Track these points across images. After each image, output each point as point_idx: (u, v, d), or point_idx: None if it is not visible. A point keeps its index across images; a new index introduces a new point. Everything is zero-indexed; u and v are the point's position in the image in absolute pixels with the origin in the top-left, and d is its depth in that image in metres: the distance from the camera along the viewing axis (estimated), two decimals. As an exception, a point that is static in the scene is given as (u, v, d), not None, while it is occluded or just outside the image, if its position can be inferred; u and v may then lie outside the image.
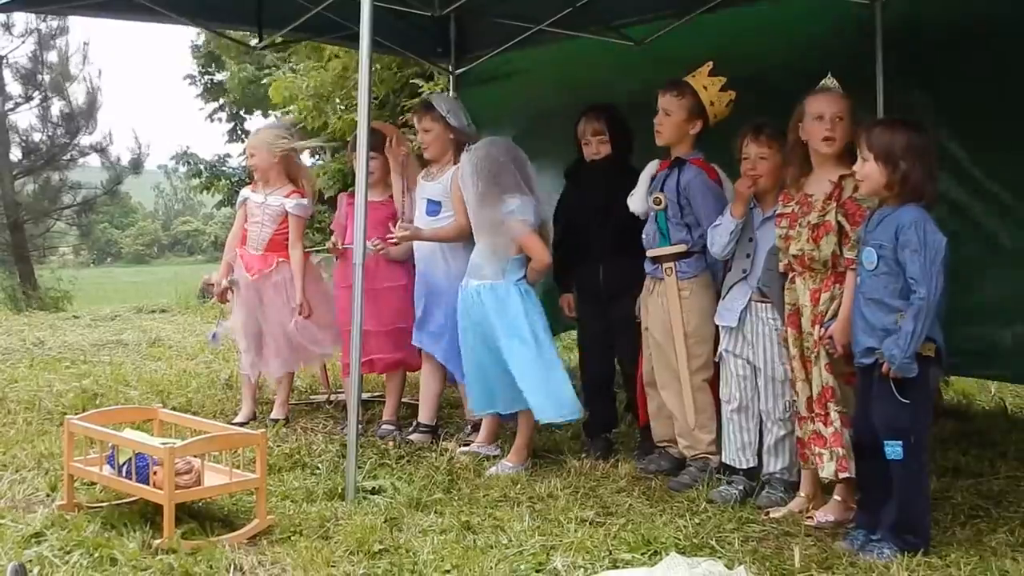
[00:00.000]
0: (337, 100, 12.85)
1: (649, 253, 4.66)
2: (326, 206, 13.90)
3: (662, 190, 4.61)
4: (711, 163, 4.66)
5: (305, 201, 5.76)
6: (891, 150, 3.54)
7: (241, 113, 20.50)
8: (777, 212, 4.08)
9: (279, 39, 7.30)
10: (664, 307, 4.60)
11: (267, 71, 14.33)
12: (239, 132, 20.02)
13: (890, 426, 3.57)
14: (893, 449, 3.55)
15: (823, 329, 3.84)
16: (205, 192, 19.43)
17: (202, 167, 19.29)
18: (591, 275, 5.03)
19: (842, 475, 3.86)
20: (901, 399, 3.51)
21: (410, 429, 5.44)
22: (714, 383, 4.55)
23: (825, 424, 3.89)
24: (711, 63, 4.58)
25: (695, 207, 4.55)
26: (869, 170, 3.60)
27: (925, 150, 3.57)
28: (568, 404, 4.67)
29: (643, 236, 4.70)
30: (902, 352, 3.45)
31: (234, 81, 18.45)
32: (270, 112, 16.69)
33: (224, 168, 19.35)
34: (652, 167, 4.73)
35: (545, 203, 4.99)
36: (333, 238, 5.66)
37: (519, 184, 4.72)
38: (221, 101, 20.87)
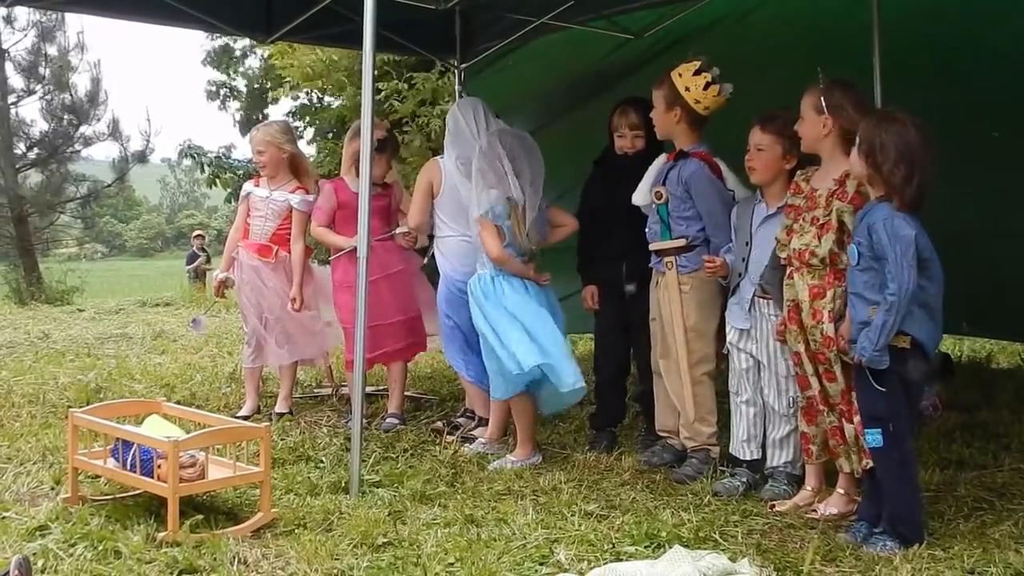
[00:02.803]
0: (344, 78, 12.91)
1: (652, 247, 4.67)
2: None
3: (664, 183, 4.61)
4: (716, 156, 4.64)
5: (310, 197, 5.77)
6: (872, 145, 3.52)
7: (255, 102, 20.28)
8: (785, 203, 4.07)
9: (287, 36, 7.30)
10: (666, 300, 4.61)
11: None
12: (253, 120, 19.84)
13: (868, 414, 3.60)
14: (873, 437, 3.58)
15: (835, 327, 3.82)
16: (213, 186, 19.38)
17: (205, 162, 19.24)
18: (614, 270, 5.00)
19: (870, 464, 3.76)
20: (877, 387, 3.53)
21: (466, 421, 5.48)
22: (717, 375, 4.56)
23: (849, 419, 3.85)
24: (697, 61, 4.55)
25: (696, 200, 4.55)
26: (853, 159, 3.62)
27: (909, 151, 3.47)
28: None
29: (648, 229, 4.70)
30: (871, 345, 3.46)
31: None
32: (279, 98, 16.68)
33: (230, 160, 19.30)
34: (660, 161, 4.72)
35: (548, 190, 4.98)
36: (348, 241, 5.44)
37: (491, 175, 4.77)
38: (234, 84, 20.77)
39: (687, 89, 4.53)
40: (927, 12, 5.30)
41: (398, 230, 5.53)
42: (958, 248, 3.84)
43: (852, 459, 3.88)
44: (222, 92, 20.62)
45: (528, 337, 4.62)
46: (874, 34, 5.08)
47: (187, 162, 20.46)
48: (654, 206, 4.64)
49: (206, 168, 18.44)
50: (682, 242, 4.56)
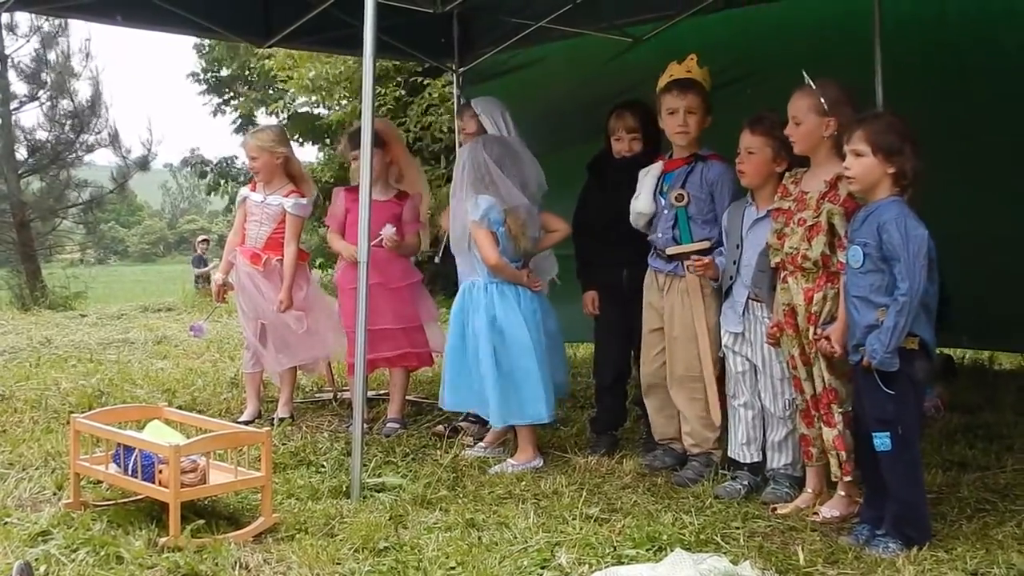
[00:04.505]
0: (343, 90, 12.86)
1: (669, 251, 4.59)
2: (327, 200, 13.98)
3: (683, 187, 4.57)
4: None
5: (304, 201, 5.78)
6: (893, 143, 3.51)
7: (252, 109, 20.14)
8: (773, 207, 4.07)
9: (284, 41, 7.30)
10: (686, 304, 4.57)
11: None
12: (247, 125, 19.75)
13: (877, 418, 3.59)
14: (881, 441, 3.56)
15: (819, 331, 3.83)
16: (213, 193, 19.40)
17: (208, 169, 19.23)
18: (614, 275, 4.97)
19: (845, 479, 3.89)
20: (886, 390, 3.52)
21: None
22: (720, 378, 4.56)
23: (830, 426, 3.90)
24: (695, 55, 4.58)
25: (719, 202, 4.53)
26: (867, 165, 3.56)
27: (916, 139, 3.55)
28: (531, 408, 4.73)
29: (655, 235, 4.65)
30: (883, 347, 3.45)
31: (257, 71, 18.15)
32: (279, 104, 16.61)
33: (231, 169, 19.29)
34: (656, 168, 4.68)
35: (550, 196, 4.99)
36: (348, 249, 5.51)
37: (482, 182, 4.75)
38: (227, 95, 20.69)
39: (704, 80, 4.59)
40: (927, 20, 5.32)
41: (383, 232, 5.41)
42: (958, 256, 3.83)
43: (832, 463, 3.91)
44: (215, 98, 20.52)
45: (498, 388, 4.71)
46: (875, 42, 5.09)
47: (188, 170, 20.53)
48: (671, 211, 4.58)
49: (208, 174, 18.41)
50: (706, 244, 4.52)
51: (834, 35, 5.59)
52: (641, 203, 4.65)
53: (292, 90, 13.80)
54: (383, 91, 12.18)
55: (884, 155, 3.53)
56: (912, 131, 3.56)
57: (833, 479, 3.97)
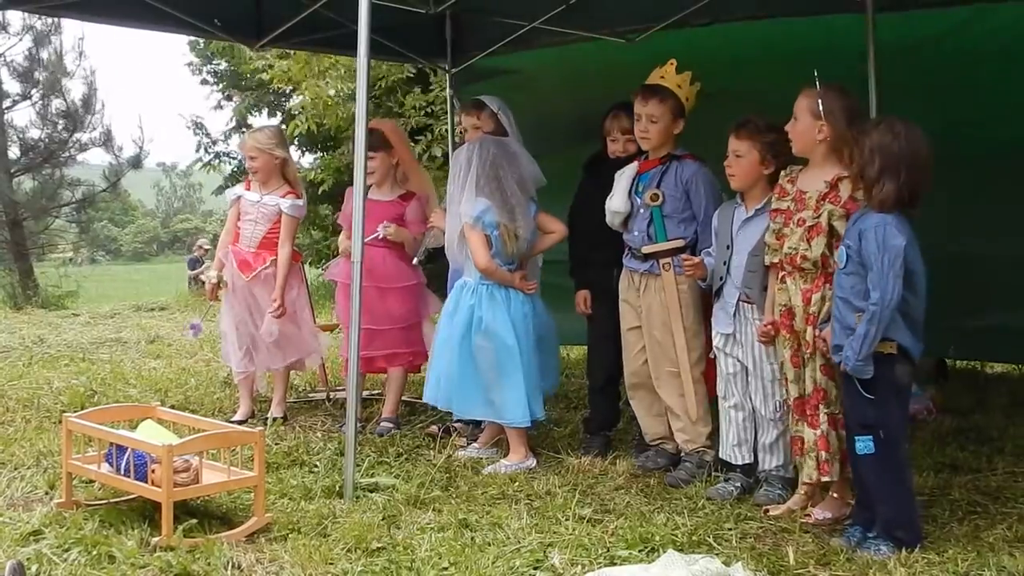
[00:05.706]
0: (338, 92, 12.78)
1: (644, 250, 4.65)
2: (329, 205, 13.93)
3: (658, 187, 4.61)
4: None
5: (300, 202, 5.79)
6: (875, 172, 3.51)
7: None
8: (772, 207, 4.08)
9: (277, 41, 7.27)
10: (662, 303, 4.61)
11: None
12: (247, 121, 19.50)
13: (858, 421, 3.61)
14: (864, 444, 3.57)
15: (817, 331, 3.84)
16: (206, 168, 19.17)
17: (208, 138, 19.01)
18: (606, 275, 4.99)
19: (823, 479, 3.90)
20: (866, 395, 3.52)
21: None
22: (710, 377, 4.56)
23: (813, 427, 3.90)
24: (674, 60, 4.62)
25: (695, 200, 4.58)
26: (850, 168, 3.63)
27: (885, 153, 3.50)
28: (514, 410, 4.75)
29: (631, 235, 4.70)
30: (855, 354, 3.47)
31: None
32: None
33: (228, 152, 19.13)
34: (631, 169, 4.74)
35: (541, 197, 4.99)
36: (346, 243, 5.58)
37: (477, 184, 4.75)
38: (227, 91, 20.47)
39: (679, 86, 4.61)
40: (921, 35, 5.34)
41: (380, 227, 5.43)
42: (943, 267, 3.84)
43: (808, 465, 3.92)
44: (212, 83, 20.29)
45: (467, 382, 4.77)
46: (869, 55, 5.09)
47: (182, 163, 20.37)
48: (646, 210, 4.64)
49: (208, 149, 18.24)
50: (680, 243, 4.57)
51: (827, 51, 5.58)
52: (616, 202, 4.71)
53: (305, 108, 13.61)
54: (408, 93, 12.14)
55: (848, 160, 3.57)
56: (885, 139, 3.51)
57: (805, 480, 3.98)
